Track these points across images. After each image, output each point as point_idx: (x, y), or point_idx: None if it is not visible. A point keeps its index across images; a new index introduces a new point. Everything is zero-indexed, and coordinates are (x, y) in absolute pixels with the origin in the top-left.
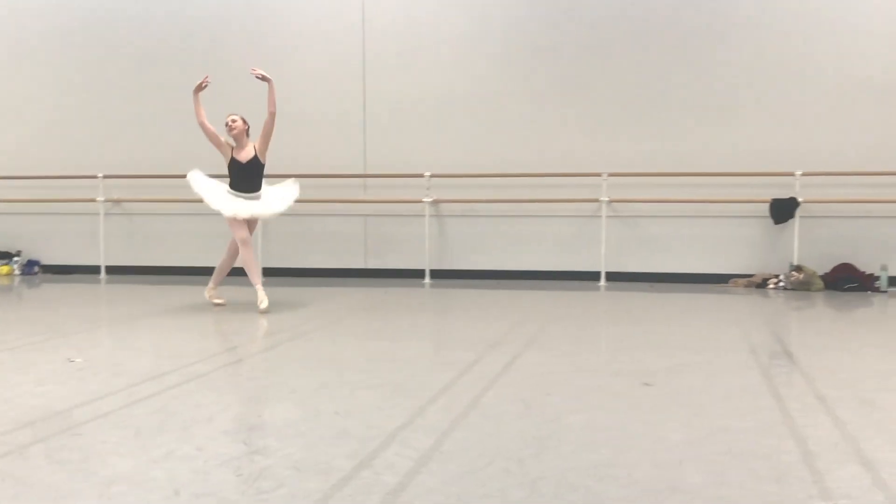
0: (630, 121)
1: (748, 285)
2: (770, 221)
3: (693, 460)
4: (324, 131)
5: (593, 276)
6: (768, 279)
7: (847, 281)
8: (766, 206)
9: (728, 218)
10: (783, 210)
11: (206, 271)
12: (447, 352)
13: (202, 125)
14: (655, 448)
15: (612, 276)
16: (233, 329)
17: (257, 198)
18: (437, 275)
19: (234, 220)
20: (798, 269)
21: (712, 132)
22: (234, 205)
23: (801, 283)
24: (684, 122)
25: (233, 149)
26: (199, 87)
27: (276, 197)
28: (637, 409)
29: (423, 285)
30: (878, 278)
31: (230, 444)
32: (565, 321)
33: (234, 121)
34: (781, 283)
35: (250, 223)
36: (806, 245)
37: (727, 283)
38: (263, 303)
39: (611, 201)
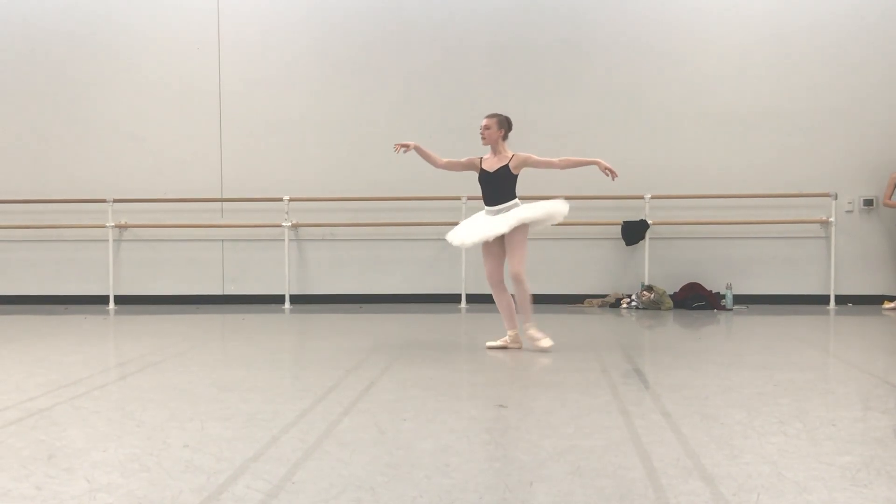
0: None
1: (602, 305)
2: (622, 243)
3: (543, 481)
4: (179, 155)
5: (454, 299)
6: (621, 299)
7: (695, 299)
8: (619, 228)
9: (582, 240)
10: (634, 232)
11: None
12: (304, 379)
13: (445, 167)
14: (507, 470)
15: (473, 298)
16: (79, 360)
17: (497, 212)
18: (298, 300)
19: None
20: (649, 288)
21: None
22: (460, 232)
23: (651, 302)
24: (540, 146)
25: (481, 159)
26: (405, 147)
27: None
28: (490, 431)
29: (282, 311)
30: (723, 297)
31: (71, 482)
32: (424, 344)
33: (486, 126)
34: (633, 303)
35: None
36: (656, 265)
37: (582, 302)
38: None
39: None
